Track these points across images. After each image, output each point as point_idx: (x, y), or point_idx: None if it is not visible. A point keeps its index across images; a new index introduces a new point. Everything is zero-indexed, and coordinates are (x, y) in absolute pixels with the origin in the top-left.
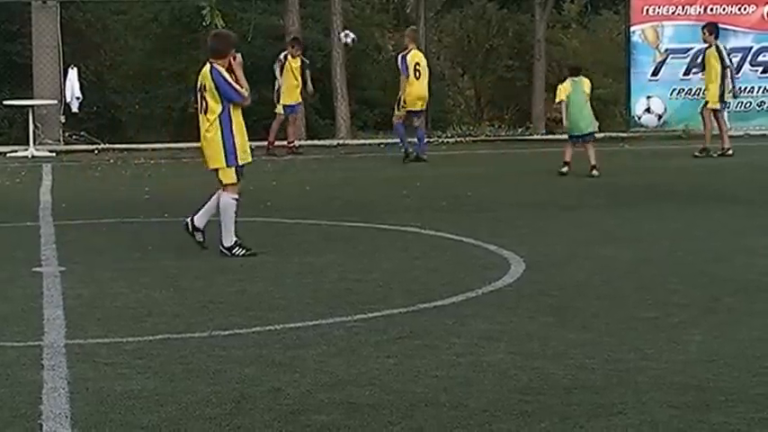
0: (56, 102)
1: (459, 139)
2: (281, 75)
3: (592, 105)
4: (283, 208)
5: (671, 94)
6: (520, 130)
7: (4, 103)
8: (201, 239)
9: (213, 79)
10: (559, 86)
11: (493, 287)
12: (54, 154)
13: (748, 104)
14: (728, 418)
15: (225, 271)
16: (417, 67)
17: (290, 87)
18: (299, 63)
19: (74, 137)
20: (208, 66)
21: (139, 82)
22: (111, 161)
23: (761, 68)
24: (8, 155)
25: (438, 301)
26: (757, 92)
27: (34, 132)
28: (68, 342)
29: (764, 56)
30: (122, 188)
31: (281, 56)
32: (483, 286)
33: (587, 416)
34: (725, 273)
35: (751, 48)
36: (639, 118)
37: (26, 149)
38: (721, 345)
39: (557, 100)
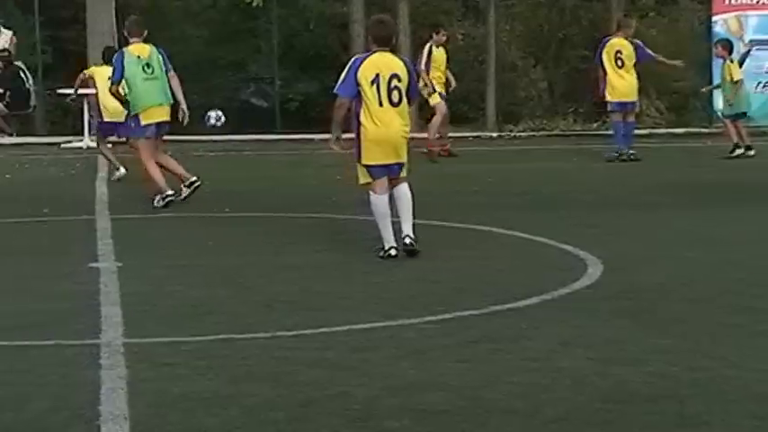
0: None
1: (532, 134)
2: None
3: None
4: (350, 204)
5: (756, 87)
6: (595, 124)
7: (59, 91)
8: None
9: (408, 71)
10: (730, 65)
11: (569, 289)
12: (110, 145)
13: None
14: None
15: (288, 269)
16: (619, 55)
17: (435, 80)
18: (444, 52)
19: None
20: (392, 55)
21: (197, 71)
22: (169, 153)
23: None
24: (62, 145)
25: (511, 304)
26: None
27: (89, 122)
28: (126, 341)
29: None
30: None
31: (427, 46)
32: (558, 288)
33: (670, 426)
34: None
35: None
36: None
37: (81, 140)
38: None
39: (734, 78)
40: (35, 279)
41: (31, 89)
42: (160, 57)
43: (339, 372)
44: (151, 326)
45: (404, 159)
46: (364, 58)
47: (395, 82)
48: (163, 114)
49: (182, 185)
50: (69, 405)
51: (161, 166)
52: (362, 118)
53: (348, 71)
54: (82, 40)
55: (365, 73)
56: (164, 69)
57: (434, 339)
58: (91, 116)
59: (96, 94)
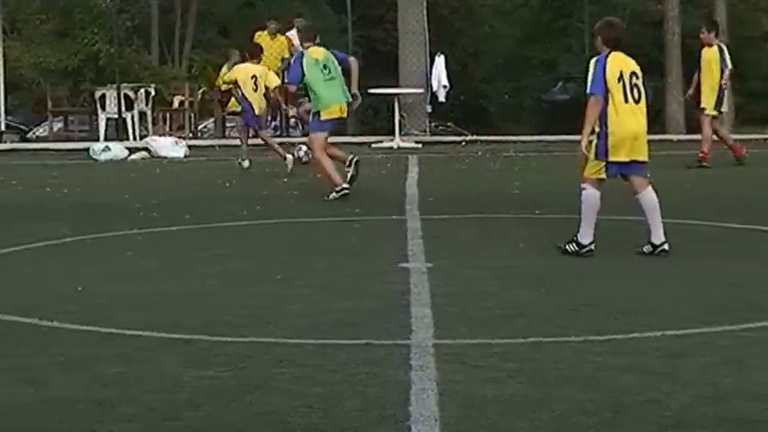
0: (422, 91)
1: None
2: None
3: None
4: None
5: None
6: None
7: (369, 91)
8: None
9: (641, 70)
10: None
11: None
12: (420, 145)
13: None
14: None
15: (599, 272)
16: None
17: (709, 86)
18: (717, 53)
19: (440, 127)
20: (623, 55)
21: (507, 71)
22: (479, 153)
23: None
24: (373, 145)
25: None
26: None
27: (400, 122)
28: (436, 342)
29: None
30: (490, 182)
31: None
32: None
33: None
34: None
35: None
36: None
37: (391, 140)
38: None
39: None
40: (346, 278)
41: None
42: (334, 57)
43: (651, 378)
44: (461, 327)
45: (646, 158)
46: (606, 57)
47: (634, 79)
48: (341, 112)
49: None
50: (379, 405)
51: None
52: (610, 115)
53: (596, 71)
54: (392, 39)
55: (612, 70)
56: (339, 69)
57: (751, 347)
58: (401, 116)
59: (241, 91)
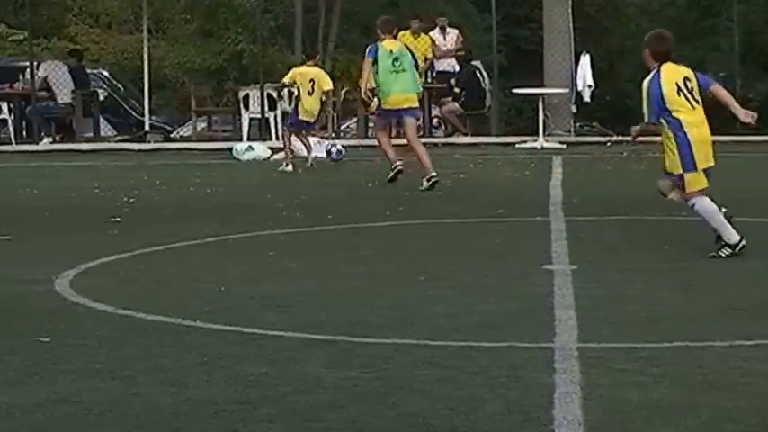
0: (567, 90)
1: None
2: None
3: None
4: None
5: None
6: None
7: (513, 91)
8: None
9: (693, 74)
10: None
11: None
12: (564, 146)
13: None
14: None
15: (746, 275)
16: None
17: None
18: None
19: (584, 128)
20: (672, 64)
21: None
22: (624, 154)
23: None
24: (516, 146)
25: None
26: None
27: (544, 122)
28: (580, 345)
29: None
30: (636, 183)
31: None
32: None
33: None
34: None
35: None
36: None
37: (535, 140)
38: None
39: None
40: (489, 279)
41: (487, 89)
42: (409, 53)
43: None
44: (605, 330)
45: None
46: (659, 76)
47: (689, 84)
48: (406, 102)
49: (423, 179)
50: (522, 408)
51: (415, 151)
52: (684, 125)
53: (651, 96)
54: (535, 38)
55: (668, 85)
56: (412, 64)
57: None
58: (545, 116)
59: (298, 94)
